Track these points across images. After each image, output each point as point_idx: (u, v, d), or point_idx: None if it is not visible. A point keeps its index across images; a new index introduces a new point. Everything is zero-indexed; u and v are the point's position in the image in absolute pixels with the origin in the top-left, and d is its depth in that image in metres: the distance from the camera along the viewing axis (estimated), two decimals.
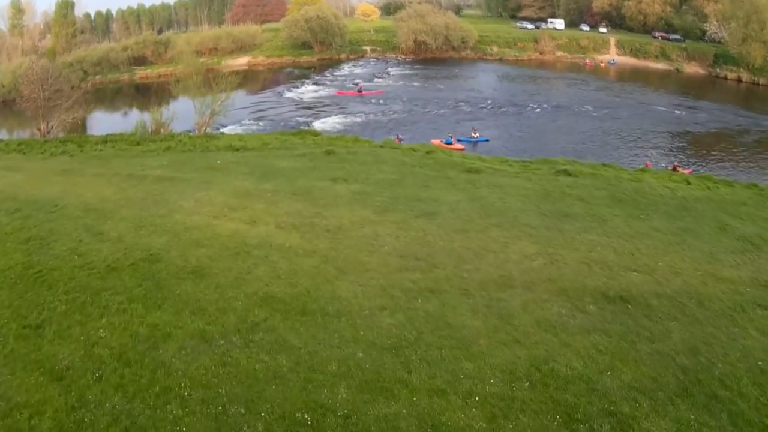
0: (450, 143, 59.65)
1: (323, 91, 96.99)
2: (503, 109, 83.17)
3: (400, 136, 59.89)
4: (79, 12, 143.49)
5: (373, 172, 33.70)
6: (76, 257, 22.14)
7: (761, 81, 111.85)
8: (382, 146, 41.60)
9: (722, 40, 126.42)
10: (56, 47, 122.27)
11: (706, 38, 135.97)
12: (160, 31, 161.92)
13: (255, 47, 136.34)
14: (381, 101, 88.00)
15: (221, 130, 65.34)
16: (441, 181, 32.70)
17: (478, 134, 64.65)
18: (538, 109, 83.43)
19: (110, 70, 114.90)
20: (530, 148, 61.24)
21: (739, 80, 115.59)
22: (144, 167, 35.77)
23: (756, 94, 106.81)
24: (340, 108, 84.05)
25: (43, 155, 41.86)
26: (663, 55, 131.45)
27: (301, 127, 68.61)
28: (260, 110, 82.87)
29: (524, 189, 31.70)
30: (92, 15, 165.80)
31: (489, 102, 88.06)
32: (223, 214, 26.75)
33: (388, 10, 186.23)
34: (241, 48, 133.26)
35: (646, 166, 48.94)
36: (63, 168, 36.66)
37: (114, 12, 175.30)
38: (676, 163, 54.04)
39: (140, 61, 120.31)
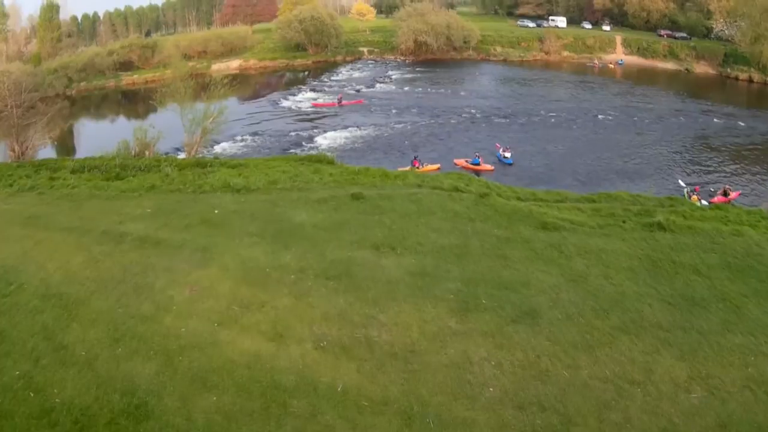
0: (477, 164, 53.39)
1: (321, 99, 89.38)
2: (520, 120, 76.48)
3: (418, 158, 53.45)
4: (65, 15, 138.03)
5: (422, 231, 25.72)
6: (30, 395, 15.48)
7: None
8: (420, 186, 33.51)
9: (730, 38, 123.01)
10: (41, 52, 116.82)
11: (712, 36, 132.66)
12: (147, 34, 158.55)
13: (246, 50, 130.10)
14: (388, 112, 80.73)
15: (214, 147, 59.39)
16: (517, 246, 24.75)
17: (509, 153, 57.64)
18: (554, 120, 77.18)
19: (96, 76, 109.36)
20: (565, 170, 55.54)
21: (750, 80, 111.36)
22: (122, 217, 27.76)
23: None
24: (342, 119, 76.65)
25: (10, 189, 35.54)
26: (671, 55, 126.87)
27: (303, 143, 63.03)
28: (255, 122, 75.15)
29: (625, 257, 24.30)
30: (79, 18, 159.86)
31: (502, 110, 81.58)
32: (232, 318, 18.85)
33: (380, 9, 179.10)
34: (231, 50, 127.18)
35: (695, 190, 45.94)
36: (28, 214, 29.22)
37: (101, 14, 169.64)
38: (726, 186, 49.31)
39: (127, 66, 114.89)
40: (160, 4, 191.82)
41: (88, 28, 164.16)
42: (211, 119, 50.79)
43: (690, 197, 44.31)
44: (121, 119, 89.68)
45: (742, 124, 77.78)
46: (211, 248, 23.56)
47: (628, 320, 19.43)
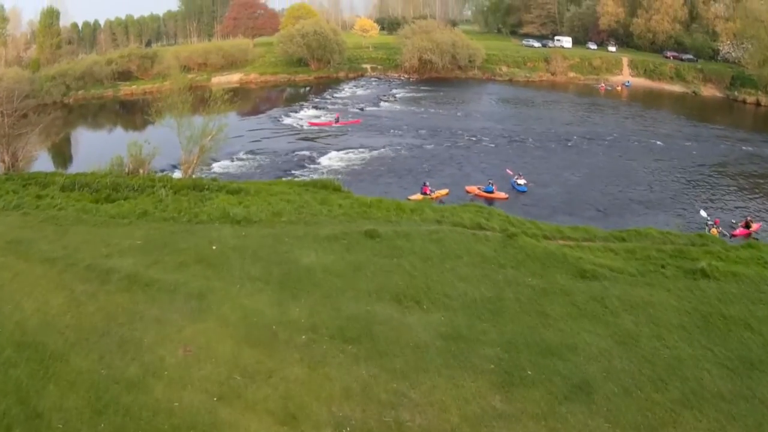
0: (491, 191, 50.74)
1: (324, 117, 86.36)
2: (531, 144, 73.56)
3: (427, 184, 50.53)
4: (65, 22, 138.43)
5: (449, 279, 22.87)
6: None
7: None
8: (439, 222, 30.69)
9: (737, 61, 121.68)
10: (41, 58, 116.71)
11: (719, 58, 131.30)
12: (148, 44, 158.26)
13: (247, 63, 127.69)
14: (393, 132, 77.77)
15: (212, 166, 56.51)
16: (557, 299, 21.97)
17: (523, 180, 54.85)
18: (567, 144, 74.44)
19: (94, 84, 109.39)
20: (583, 200, 53.07)
21: (758, 104, 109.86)
22: (110, 249, 24.79)
23: None
24: (346, 140, 73.59)
25: None
26: (678, 77, 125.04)
27: (305, 164, 60.49)
28: (255, 140, 72.15)
29: (674, 312, 21.71)
30: (79, 25, 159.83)
31: (511, 133, 78.63)
32: (234, 391, 15.80)
33: (383, 26, 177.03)
34: (231, 63, 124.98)
35: (716, 223, 43.90)
36: (9, 237, 26.46)
37: (102, 22, 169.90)
38: (748, 218, 46.95)
39: (125, 75, 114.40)
40: (161, 14, 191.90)
41: (88, 35, 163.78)
42: (209, 137, 47.93)
43: (710, 230, 42.22)
44: (118, 130, 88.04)
45: (756, 150, 75.83)
46: (208, 295, 20.58)
47: (688, 391, 16.98)
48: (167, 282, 21.47)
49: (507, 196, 51.72)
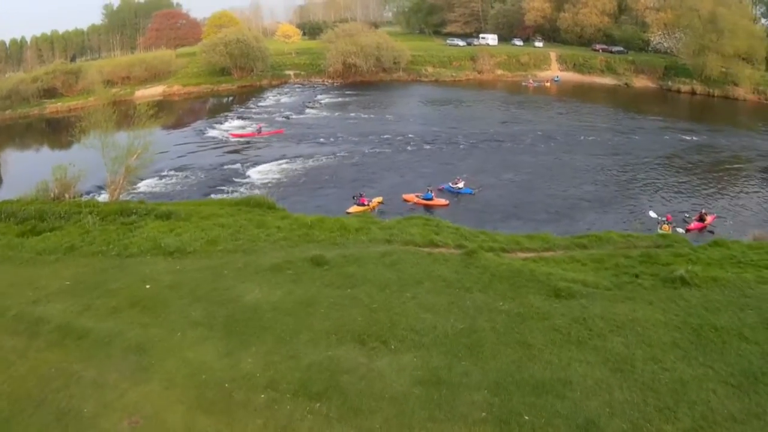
0: (430, 198, 48.70)
1: (250, 128, 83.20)
2: (464, 146, 72.17)
3: (364, 195, 48.66)
4: None
5: (413, 311, 20.36)
6: None
7: (716, 93, 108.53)
8: (389, 241, 28.17)
9: (669, 51, 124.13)
10: None
11: (650, 49, 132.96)
12: (73, 58, 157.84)
13: (170, 74, 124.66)
14: (321, 140, 75.39)
15: (138, 185, 53.81)
16: (536, 325, 19.65)
17: (462, 183, 52.73)
18: (502, 144, 73.28)
19: (20, 103, 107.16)
20: (530, 202, 51.77)
21: (693, 93, 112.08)
22: (37, 293, 21.73)
23: (722, 108, 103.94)
24: (273, 150, 70.82)
25: None
26: (609, 69, 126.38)
27: (234, 178, 58.15)
28: (181, 155, 68.74)
29: (663, 328, 19.73)
30: (7, 43, 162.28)
31: (443, 136, 76.93)
32: None
33: (304, 31, 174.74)
34: (155, 76, 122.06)
35: (667, 219, 43.59)
36: None
37: (29, 39, 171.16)
38: (703, 211, 46.28)
39: (51, 92, 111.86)
40: (85, 29, 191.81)
41: (15, 53, 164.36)
42: (135, 156, 45.06)
43: (661, 227, 41.76)
44: (45, 150, 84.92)
45: (701, 139, 76.26)
46: (148, 347, 17.74)
47: (699, 417, 15.26)
48: (101, 333, 18.59)
49: (447, 202, 49.84)
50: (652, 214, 45.85)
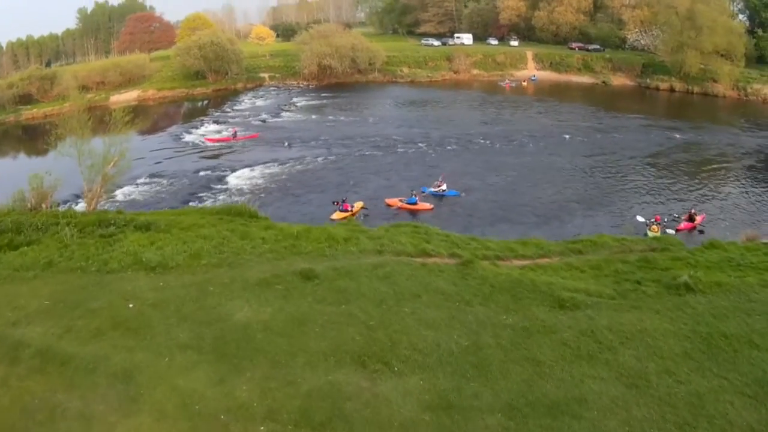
0: (414, 203, 47.60)
1: (226, 132, 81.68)
2: (445, 148, 70.97)
3: (345, 201, 47.40)
4: None
5: (413, 328, 19.32)
6: None
7: (695, 90, 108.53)
8: (380, 252, 27.04)
9: (646, 48, 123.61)
10: None
11: (626, 46, 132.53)
12: (48, 64, 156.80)
13: (144, 79, 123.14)
14: (299, 144, 73.90)
15: (116, 193, 51.93)
16: (544, 340, 18.79)
17: (444, 185, 51.71)
18: (483, 145, 72.22)
19: None
20: (516, 205, 50.98)
21: (671, 90, 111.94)
22: (16, 314, 20.43)
23: (702, 105, 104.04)
24: (252, 155, 69.33)
25: None
26: (586, 68, 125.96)
27: (213, 185, 56.73)
28: (158, 162, 67.11)
29: (673, 338, 19.10)
30: None
31: (421, 137, 75.70)
32: None
33: (277, 33, 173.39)
34: (129, 80, 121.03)
35: (656, 219, 42.82)
36: None
37: (4, 45, 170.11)
38: (692, 210, 46.36)
39: (27, 99, 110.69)
40: (59, 33, 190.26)
41: None
42: (112, 164, 43.49)
43: (650, 228, 41.37)
44: (22, 158, 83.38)
45: (685, 137, 75.98)
46: (135, 374, 16.56)
47: (718, 431, 14.81)
48: (85, 358, 17.37)
49: (432, 207, 48.80)
50: (640, 218, 45.00)
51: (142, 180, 58.99)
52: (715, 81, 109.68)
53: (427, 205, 48.43)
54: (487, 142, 72.23)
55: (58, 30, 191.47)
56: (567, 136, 75.26)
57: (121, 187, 53.20)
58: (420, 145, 71.40)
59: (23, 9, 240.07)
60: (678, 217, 45.43)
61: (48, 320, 19.89)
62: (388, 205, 48.75)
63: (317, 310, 20.33)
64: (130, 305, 20.72)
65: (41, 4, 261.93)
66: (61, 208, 44.37)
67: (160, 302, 20.85)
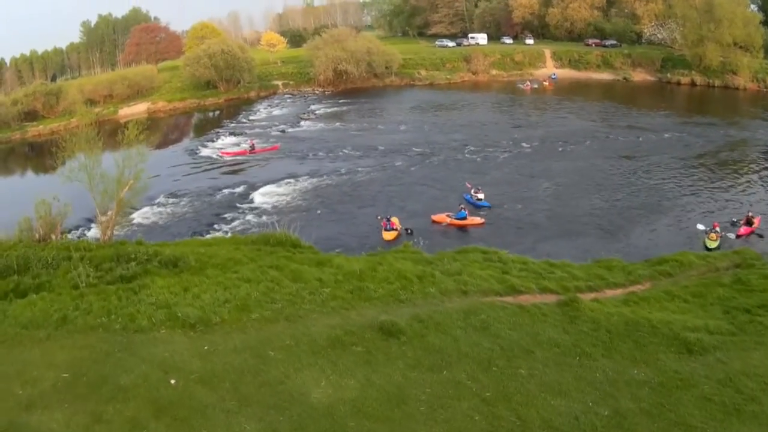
0: (464, 218, 43.70)
1: (244, 144, 76.93)
2: (480, 154, 66.59)
3: (389, 218, 43.35)
4: None
5: (539, 397, 15.28)
6: None
7: (717, 83, 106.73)
8: (464, 291, 22.98)
9: (663, 42, 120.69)
10: None
11: (643, 41, 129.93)
12: (53, 78, 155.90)
13: (153, 90, 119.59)
14: (323, 155, 69.40)
15: (132, 216, 46.97)
16: (685, 396, 15.46)
17: (482, 194, 48.56)
18: (519, 151, 67.55)
19: (1, 128, 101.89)
20: (573, 216, 46.83)
21: (693, 84, 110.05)
22: (28, 390, 15.87)
23: (727, 98, 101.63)
24: (274, 168, 64.64)
25: None
26: (606, 64, 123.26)
27: (237, 204, 52.21)
28: (175, 179, 62.57)
29: None
30: None
31: (452, 144, 71.29)
32: None
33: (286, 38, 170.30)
34: (137, 92, 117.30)
35: (714, 227, 40.41)
36: None
37: (8, 60, 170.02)
38: (749, 213, 43.50)
39: (32, 115, 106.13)
40: (64, 47, 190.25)
41: None
42: (126, 187, 39.14)
43: (708, 236, 39.43)
44: (29, 177, 79.66)
45: (720, 133, 73.06)
46: None
47: None
48: None
49: (483, 221, 44.80)
50: (700, 226, 41.62)
51: (159, 200, 54.50)
52: (734, 73, 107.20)
53: (478, 220, 44.40)
54: (524, 146, 67.94)
55: (63, 44, 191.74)
56: (604, 138, 71.73)
57: (137, 209, 48.66)
58: (450, 153, 66.87)
59: (26, 24, 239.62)
60: (736, 222, 42.54)
61: (69, 403, 15.57)
62: (435, 222, 44.55)
63: (414, 379, 16.11)
64: (172, 381, 16.39)
65: (44, 18, 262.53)
66: (73, 236, 41.92)
67: (210, 376, 16.50)
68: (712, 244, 38.56)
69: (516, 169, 59.83)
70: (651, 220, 45.41)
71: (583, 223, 44.70)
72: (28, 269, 28.24)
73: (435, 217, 44.92)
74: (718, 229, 40.12)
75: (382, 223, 42.54)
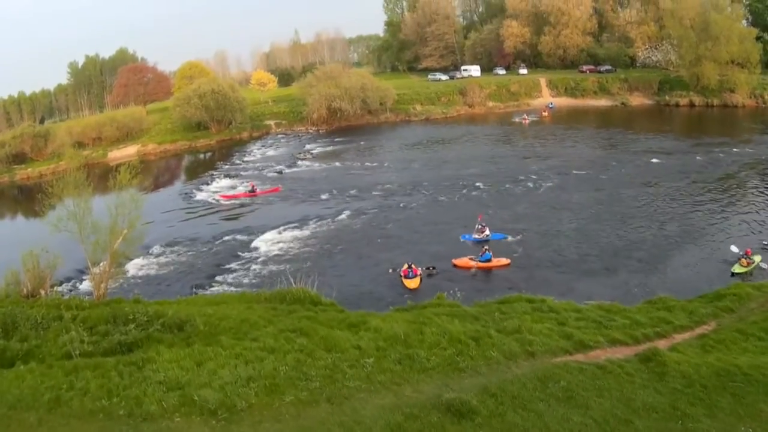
0: (489, 260, 40.50)
1: (242, 187, 73.66)
2: (492, 190, 63.11)
3: (412, 264, 39.69)
4: None
5: None
6: None
7: (715, 102, 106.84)
8: (531, 353, 19.94)
9: (658, 64, 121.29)
10: None
11: (637, 64, 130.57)
12: (42, 120, 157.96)
13: (142, 132, 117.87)
14: (325, 198, 65.86)
15: (126, 267, 42.90)
16: None
17: (487, 230, 46.07)
18: (532, 184, 64.04)
19: None
20: (605, 252, 43.56)
21: (691, 105, 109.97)
22: None
23: (729, 117, 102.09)
24: (276, 213, 60.68)
25: None
26: (602, 90, 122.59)
27: (239, 252, 48.60)
28: (170, 226, 58.92)
29: None
30: None
31: (459, 181, 67.40)
32: None
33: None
34: (127, 135, 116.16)
35: (747, 254, 38.38)
36: None
37: None
38: None
39: (21, 157, 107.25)
40: (52, 89, 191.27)
41: None
42: (120, 238, 35.99)
43: (740, 261, 37.95)
44: (19, 221, 78.90)
45: (735, 151, 72.17)
46: None
47: None
48: None
49: (509, 261, 41.57)
50: (734, 248, 39.73)
51: (154, 249, 50.77)
52: (732, 91, 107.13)
53: (504, 260, 41.27)
54: (536, 179, 64.67)
55: (50, 86, 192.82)
56: (615, 165, 69.32)
57: (131, 260, 44.94)
58: (458, 190, 63.52)
59: (14, 66, 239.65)
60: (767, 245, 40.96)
61: None
62: (457, 267, 41.25)
63: None
64: None
65: (32, 60, 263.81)
66: (63, 289, 39.77)
67: None
68: (740, 270, 37.00)
69: (535, 202, 56.66)
70: (685, 249, 42.81)
71: (616, 258, 41.65)
72: (16, 329, 25.40)
73: (457, 262, 41.58)
74: (751, 255, 38.16)
75: (402, 271, 39.09)
